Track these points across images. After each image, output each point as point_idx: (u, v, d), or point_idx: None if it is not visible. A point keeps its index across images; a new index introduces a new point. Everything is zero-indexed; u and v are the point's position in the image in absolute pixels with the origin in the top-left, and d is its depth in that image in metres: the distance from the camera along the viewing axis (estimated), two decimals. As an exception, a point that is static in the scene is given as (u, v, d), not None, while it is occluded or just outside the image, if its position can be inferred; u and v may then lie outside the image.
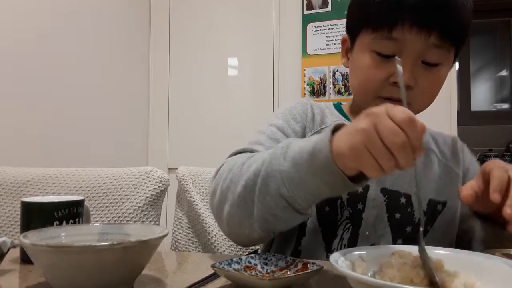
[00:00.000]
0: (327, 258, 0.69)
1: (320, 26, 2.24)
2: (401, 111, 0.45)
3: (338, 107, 0.82)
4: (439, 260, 0.48)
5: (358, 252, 0.52)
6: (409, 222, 0.72)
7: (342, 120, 0.78)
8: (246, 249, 0.98)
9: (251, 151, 0.66)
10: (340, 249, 0.69)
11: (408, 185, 0.72)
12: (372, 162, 0.45)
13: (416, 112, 0.72)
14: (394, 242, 0.71)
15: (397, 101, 0.67)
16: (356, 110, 0.79)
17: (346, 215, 0.71)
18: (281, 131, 0.73)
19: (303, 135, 0.75)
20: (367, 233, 0.70)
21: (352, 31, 0.74)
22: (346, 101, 0.85)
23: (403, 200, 0.72)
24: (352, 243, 0.70)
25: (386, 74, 0.68)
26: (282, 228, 0.60)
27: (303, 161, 0.51)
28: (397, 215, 0.71)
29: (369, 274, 0.50)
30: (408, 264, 0.47)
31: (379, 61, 0.68)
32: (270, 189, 0.54)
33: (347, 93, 2.18)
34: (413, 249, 0.50)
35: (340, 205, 0.71)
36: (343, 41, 0.78)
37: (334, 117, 0.78)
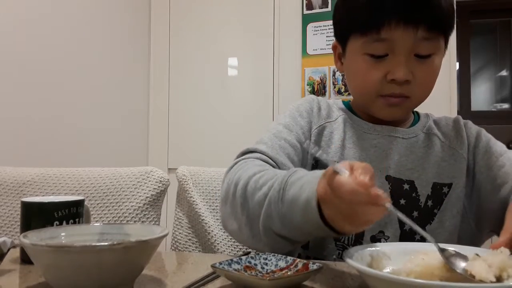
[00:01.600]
0: (336, 246, 0.71)
1: (320, 26, 2.24)
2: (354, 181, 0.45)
3: (346, 104, 0.85)
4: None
5: (378, 248, 0.53)
6: (415, 206, 0.73)
7: (348, 113, 0.80)
8: (246, 249, 0.98)
9: (255, 150, 0.71)
10: (348, 237, 0.72)
11: (410, 172, 0.75)
12: (362, 225, 0.49)
13: (417, 104, 0.76)
14: (402, 227, 0.72)
15: (398, 97, 0.71)
16: (359, 108, 0.82)
17: None
18: (287, 128, 0.76)
19: (309, 129, 0.78)
20: None
21: (342, 37, 0.76)
22: (346, 100, 0.86)
23: (406, 186, 0.74)
24: (357, 245, 0.70)
25: (382, 73, 0.70)
26: (285, 251, 0.63)
27: (298, 213, 0.53)
28: (402, 201, 0.73)
29: (387, 270, 0.50)
30: (427, 259, 0.47)
31: (373, 63, 0.70)
32: (272, 227, 0.57)
33: (347, 93, 2.18)
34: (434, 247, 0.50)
35: None
36: (334, 47, 0.80)
37: (341, 111, 0.81)
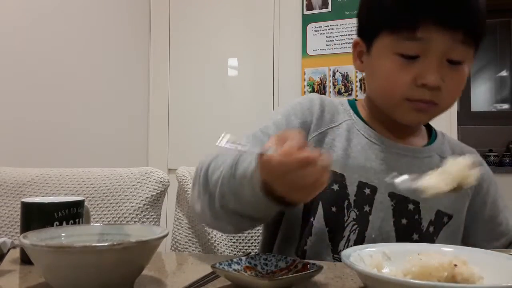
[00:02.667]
0: (333, 259, 0.69)
1: (320, 27, 2.24)
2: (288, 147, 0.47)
3: (352, 104, 0.80)
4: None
5: (378, 248, 0.53)
6: (417, 229, 0.71)
7: (354, 118, 0.76)
8: (246, 250, 0.98)
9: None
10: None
11: (417, 193, 0.73)
12: (310, 190, 0.49)
13: (441, 112, 0.72)
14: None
15: (427, 103, 0.67)
16: (369, 112, 0.77)
17: (352, 217, 0.70)
18: (275, 125, 0.72)
19: (303, 130, 0.74)
20: (373, 236, 0.69)
21: (368, 34, 0.70)
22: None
23: (411, 206, 0.71)
24: (359, 245, 0.70)
25: (412, 76, 0.65)
26: (249, 229, 0.66)
27: (246, 187, 0.54)
28: (404, 221, 0.70)
29: (386, 270, 0.50)
30: (425, 260, 0.47)
31: (403, 64, 0.65)
32: (229, 204, 0.58)
33: (347, 93, 2.18)
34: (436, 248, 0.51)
35: (347, 206, 0.70)
36: (355, 44, 0.75)
37: (347, 116, 0.76)
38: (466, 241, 0.76)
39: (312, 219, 0.71)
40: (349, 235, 0.70)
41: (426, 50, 0.64)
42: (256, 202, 0.54)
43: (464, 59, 0.66)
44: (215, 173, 0.61)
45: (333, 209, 0.70)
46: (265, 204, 0.53)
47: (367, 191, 0.70)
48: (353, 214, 0.70)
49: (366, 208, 0.70)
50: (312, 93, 0.80)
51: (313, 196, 0.50)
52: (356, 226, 0.70)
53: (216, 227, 0.66)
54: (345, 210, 0.70)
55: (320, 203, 0.70)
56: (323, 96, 0.79)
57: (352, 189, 0.70)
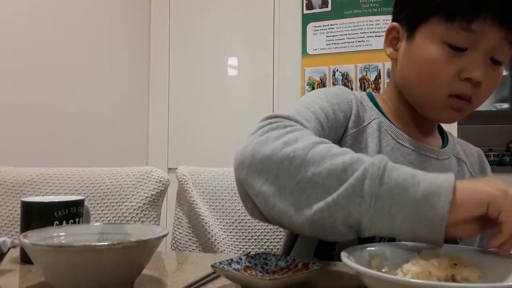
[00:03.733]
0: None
1: (320, 26, 2.24)
2: None
3: (372, 99, 0.76)
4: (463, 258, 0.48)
5: (377, 247, 0.52)
6: None
7: (380, 116, 0.72)
8: (246, 249, 0.98)
9: (296, 121, 0.57)
10: None
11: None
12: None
13: (472, 111, 0.69)
14: None
15: (465, 99, 0.64)
16: (400, 110, 0.73)
17: None
18: (324, 113, 0.64)
19: (342, 126, 0.68)
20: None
21: (415, 19, 0.66)
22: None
23: None
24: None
25: (457, 69, 0.63)
26: (329, 239, 0.50)
27: (404, 200, 0.44)
28: None
29: (385, 269, 0.50)
30: (424, 259, 0.47)
31: (450, 54, 0.63)
32: (350, 208, 0.45)
33: (347, 93, 2.18)
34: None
35: None
36: (390, 30, 0.71)
37: (373, 113, 0.72)
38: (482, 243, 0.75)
39: None
40: (380, 240, 0.64)
41: (476, 44, 0.62)
42: (401, 221, 0.44)
43: (505, 60, 0.65)
44: (326, 160, 0.47)
45: None
46: (414, 226, 0.44)
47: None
48: None
49: None
50: (340, 86, 0.75)
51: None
52: None
53: (281, 219, 0.50)
54: None
55: None
56: (350, 90, 0.75)
57: None
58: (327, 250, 0.69)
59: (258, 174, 0.50)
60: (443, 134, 0.80)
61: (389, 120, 0.73)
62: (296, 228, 0.49)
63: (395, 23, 0.71)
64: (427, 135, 0.75)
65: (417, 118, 0.73)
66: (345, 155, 0.48)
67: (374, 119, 0.72)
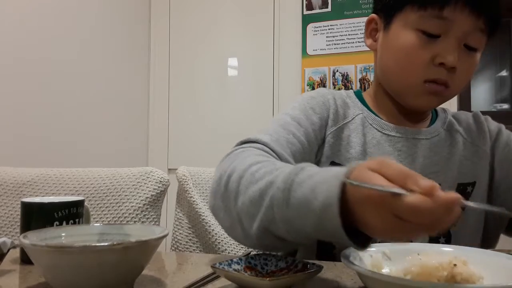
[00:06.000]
0: None
1: (320, 27, 2.24)
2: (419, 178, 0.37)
3: (359, 95, 0.78)
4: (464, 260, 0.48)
5: (378, 248, 0.52)
6: None
7: (365, 111, 0.74)
8: (247, 250, 0.98)
9: (256, 141, 0.63)
10: None
11: (435, 175, 0.70)
12: (391, 238, 0.42)
13: (450, 97, 0.71)
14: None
15: (441, 84, 0.66)
16: (383, 102, 0.75)
17: None
18: (296, 121, 0.69)
19: (321, 127, 0.71)
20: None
21: (390, 9, 0.69)
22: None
23: None
24: None
25: (431, 55, 0.65)
26: (284, 251, 0.60)
27: (310, 220, 0.45)
28: None
29: (386, 270, 0.50)
30: (425, 260, 0.47)
31: (424, 41, 0.65)
32: (272, 230, 0.50)
33: (347, 93, 2.18)
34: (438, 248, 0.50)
35: None
36: (369, 21, 0.74)
37: (357, 109, 0.74)
38: (495, 201, 0.74)
39: None
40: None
41: (448, 31, 0.64)
42: (318, 232, 0.45)
43: (479, 46, 0.67)
44: (250, 188, 0.52)
45: None
46: (330, 237, 0.46)
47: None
48: None
49: None
50: (322, 89, 0.78)
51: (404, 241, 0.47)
52: None
53: (244, 244, 0.58)
54: None
55: None
56: (332, 90, 0.78)
57: None
58: (329, 250, 0.70)
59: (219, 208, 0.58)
60: (432, 114, 0.80)
61: (374, 113, 0.75)
62: (257, 247, 0.57)
63: (373, 15, 0.73)
64: (417, 121, 0.76)
65: (401, 107, 0.74)
66: (264, 178, 0.51)
67: (358, 114, 0.74)
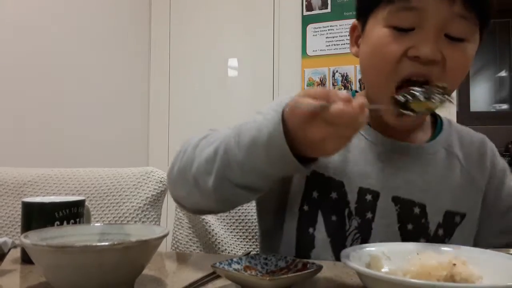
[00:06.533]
0: None
1: (320, 27, 2.24)
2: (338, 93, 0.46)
3: (353, 95, 0.74)
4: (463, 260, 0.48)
5: (377, 248, 0.53)
6: (424, 234, 0.66)
7: None
8: (247, 249, 0.98)
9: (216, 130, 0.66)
10: None
11: (423, 194, 0.66)
12: (329, 148, 0.48)
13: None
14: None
15: (419, 81, 0.59)
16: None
17: (354, 225, 0.65)
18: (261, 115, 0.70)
19: None
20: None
21: (364, 10, 0.65)
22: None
23: (416, 210, 0.66)
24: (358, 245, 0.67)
25: (403, 48, 0.59)
26: (242, 203, 0.62)
27: (259, 153, 0.51)
28: (410, 226, 0.66)
29: (385, 270, 0.50)
30: (424, 259, 0.47)
31: (396, 35, 0.60)
32: (229, 177, 0.55)
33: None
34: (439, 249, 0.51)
35: (348, 214, 0.66)
36: (353, 29, 0.70)
37: None
38: (476, 236, 0.71)
39: (311, 230, 0.66)
40: (351, 245, 0.65)
41: (422, 22, 0.58)
42: (268, 165, 0.51)
43: (465, 36, 0.60)
44: (204, 150, 0.58)
45: (333, 218, 0.66)
46: (280, 166, 0.51)
47: (369, 197, 0.66)
48: (354, 223, 0.65)
49: (369, 215, 0.65)
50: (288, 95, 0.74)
51: (335, 152, 0.50)
52: (359, 234, 0.65)
53: (202, 207, 0.63)
54: (346, 219, 0.66)
55: (320, 213, 0.66)
56: None
57: (352, 197, 0.66)
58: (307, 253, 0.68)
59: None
60: (437, 124, 0.74)
61: None
62: (216, 210, 0.63)
63: (355, 21, 0.69)
64: (412, 131, 0.70)
65: None
66: (218, 140, 0.57)
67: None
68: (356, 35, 0.70)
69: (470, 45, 0.61)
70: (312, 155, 0.51)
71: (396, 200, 0.66)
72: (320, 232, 0.66)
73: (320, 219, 0.66)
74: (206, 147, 0.58)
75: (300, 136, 0.48)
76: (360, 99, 0.46)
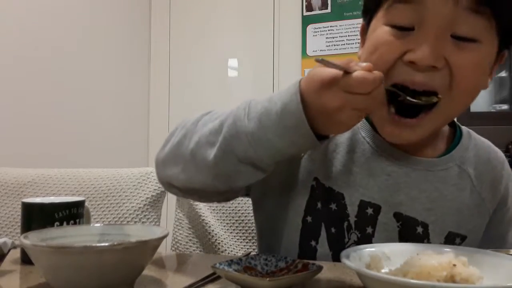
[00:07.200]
0: None
1: (320, 28, 2.24)
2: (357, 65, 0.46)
3: None
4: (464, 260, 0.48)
5: (377, 248, 0.53)
6: None
7: (360, 121, 0.63)
8: (247, 250, 0.98)
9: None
10: None
11: (426, 213, 0.61)
12: (343, 118, 0.47)
13: (450, 115, 0.58)
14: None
15: (416, 89, 0.53)
16: None
17: (353, 239, 0.63)
18: None
19: None
20: None
21: (369, 11, 0.60)
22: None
23: (419, 229, 0.62)
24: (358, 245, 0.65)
25: (400, 51, 0.52)
26: (240, 184, 0.56)
27: (271, 122, 0.49)
28: None
29: (385, 270, 0.50)
30: (424, 260, 0.47)
31: (394, 35, 0.53)
32: (235, 149, 0.51)
33: (347, 94, 2.18)
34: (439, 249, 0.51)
35: (347, 227, 0.63)
36: (361, 33, 0.64)
37: None
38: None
39: (314, 243, 0.64)
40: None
41: (422, 20, 0.51)
42: (279, 136, 0.49)
43: (477, 35, 0.51)
44: (208, 124, 0.55)
45: (333, 230, 0.63)
46: (291, 138, 0.49)
47: (370, 210, 0.62)
48: (354, 236, 0.63)
49: (369, 230, 0.62)
50: None
51: (354, 124, 0.50)
52: None
53: (194, 184, 0.58)
54: (345, 232, 0.63)
55: (323, 225, 0.63)
56: None
57: (352, 209, 0.62)
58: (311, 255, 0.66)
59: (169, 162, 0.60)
60: (455, 136, 0.67)
61: (371, 125, 0.64)
62: (211, 187, 0.57)
63: (363, 22, 0.63)
64: (424, 142, 0.63)
65: None
66: (223, 115, 0.55)
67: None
68: (363, 39, 0.63)
69: (483, 47, 0.52)
70: (324, 130, 0.50)
71: (398, 216, 0.62)
72: (322, 246, 0.63)
73: (323, 232, 0.63)
74: (210, 121, 0.56)
75: (317, 104, 0.47)
76: (379, 72, 0.45)
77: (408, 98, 0.52)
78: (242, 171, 0.53)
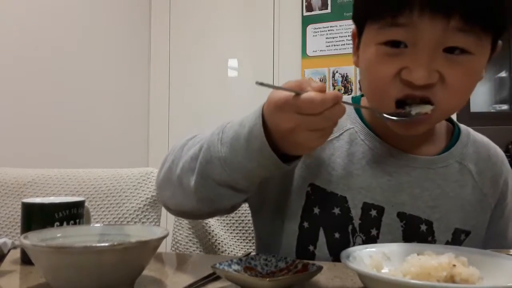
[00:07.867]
0: None
1: (320, 28, 2.24)
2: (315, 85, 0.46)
3: (357, 100, 0.70)
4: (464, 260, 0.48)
5: (378, 248, 0.53)
6: None
7: (357, 124, 0.66)
8: (247, 250, 0.98)
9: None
10: None
11: (430, 210, 0.62)
12: (300, 140, 0.48)
13: (444, 116, 0.61)
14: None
15: (420, 103, 0.55)
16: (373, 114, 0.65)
17: (359, 242, 0.63)
18: None
19: None
20: None
21: (358, 24, 0.61)
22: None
23: (423, 227, 0.62)
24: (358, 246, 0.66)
25: (396, 68, 0.54)
26: (225, 205, 0.60)
27: (240, 146, 0.51)
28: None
29: (385, 270, 0.50)
30: (424, 260, 0.47)
31: (387, 54, 0.55)
32: (211, 174, 0.54)
33: (347, 94, 2.18)
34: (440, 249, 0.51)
35: (351, 231, 0.63)
36: (353, 37, 0.64)
37: (349, 122, 0.66)
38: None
39: (312, 248, 0.64)
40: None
41: (414, 40, 0.53)
42: (248, 160, 0.51)
43: (469, 48, 0.53)
44: (190, 150, 0.58)
45: (336, 235, 0.63)
46: (259, 161, 0.51)
47: (373, 212, 0.62)
48: (359, 240, 0.63)
49: (373, 232, 0.63)
50: None
51: (319, 145, 0.50)
52: None
53: (185, 208, 0.61)
54: (350, 236, 0.63)
55: (322, 230, 0.64)
56: None
57: (356, 212, 0.63)
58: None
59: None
60: (453, 134, 0.68)
61: (368, 127, 0.65)
62: (197, 211, 0.60)
63: (354, 29, 0.63)
64: (422, 141, 0.65)
65: None
66: (204, 139, 0.56)
67: (347, 129, 0.66)
68: (356, 44, 0.64)
69: (474, 57, 0.54)
70: (289, 151, 0.51)
71: (401, 216, 0.62)
72: (321, 251, 0.63)
73: (321, 237, 0.64)
74: (192, 146, 0.59)
75: (273, 126, 0.49)
76: (335, 92, 0.46)
77: (401, 118, 0.56)
78: (222, 193, 0.56)
